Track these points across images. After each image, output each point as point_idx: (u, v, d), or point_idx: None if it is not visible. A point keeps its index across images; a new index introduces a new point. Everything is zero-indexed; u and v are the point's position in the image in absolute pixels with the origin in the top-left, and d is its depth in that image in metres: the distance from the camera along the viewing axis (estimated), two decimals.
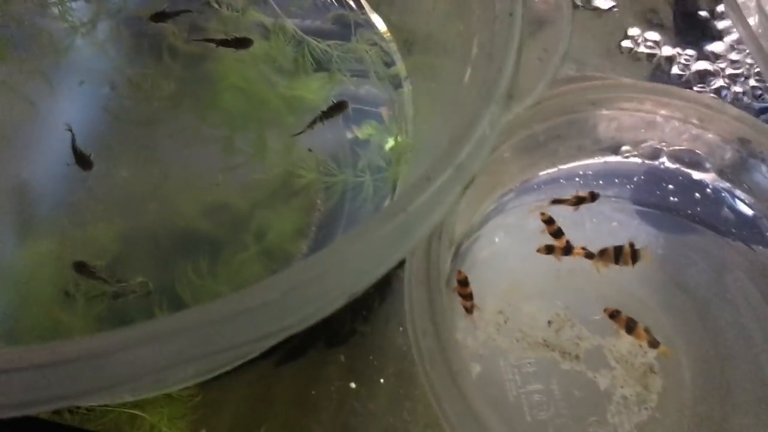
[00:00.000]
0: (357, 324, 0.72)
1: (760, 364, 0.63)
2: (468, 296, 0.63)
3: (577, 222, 0.68)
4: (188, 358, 0.40)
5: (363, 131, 0.76)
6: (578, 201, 0.64)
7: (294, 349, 0.71)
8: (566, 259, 0.68)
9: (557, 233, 0.64)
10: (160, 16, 0.78)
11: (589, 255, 0.64)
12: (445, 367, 0.47)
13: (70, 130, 0.70)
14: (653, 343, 0.63)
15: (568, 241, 0.64)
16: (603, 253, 0.63)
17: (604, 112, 0.61)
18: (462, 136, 0.44)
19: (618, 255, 0.63)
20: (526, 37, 0.50)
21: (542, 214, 0.64)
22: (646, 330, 0.63)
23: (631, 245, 0.63)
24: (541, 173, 0.67)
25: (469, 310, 0.64)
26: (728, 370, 0.65)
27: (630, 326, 0.63)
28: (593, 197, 0.64)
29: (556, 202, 0.65)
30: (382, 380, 0.69)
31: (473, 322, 0.64)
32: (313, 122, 0.74)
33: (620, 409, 0.63)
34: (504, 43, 0.49)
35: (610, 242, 0.64)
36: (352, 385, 0.69)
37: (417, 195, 0.42)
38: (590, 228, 0.69)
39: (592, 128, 0.64)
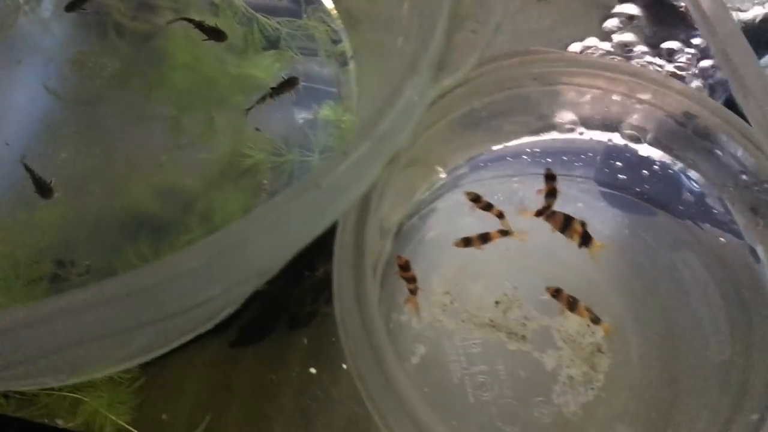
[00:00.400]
0: (320, 305, 0.70)
1: (707, 344, 0.63)
2: (411, 279, 0.62)
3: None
4: (101, 333, 0.39)
5: (321, 111, 0.75)
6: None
7: (254, 330, 0.70)
8: (514, 239, 0.67)
9: (487, 207, 0.63)
10: None
11: (503, 233, 0.63)
12: (369, 349, 0.45)
13: (26, 166, 0.67)
14: (595, 320, 0.62)
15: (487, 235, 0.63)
16: (552, 215, 0.62)
17: (547, 87, 0.60)
18: (382, 109, 0.43)
19: (566, 225, 0.62)
20: (456, 9, 0.48)
21: (468, 193, 0.63)
22: (587, 308, 0.62)
23: (583, 225, 0.62)
24: (487, 151, 0.65)
25: (413, 292, 0.63)
26: (677, 350, 0.64)
27: (571, 304, 0.62)
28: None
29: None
30: (344, 365, 0.67)
31: (416, 305, 0.63)
32: (263, 98, 0.72)
33: (566, 390, 0.63)
34: (432, 15, 0.48)
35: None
36: (313, 370, 0.68)
37: (331, 170, 0.41)
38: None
39: (535, 104, 0.62)
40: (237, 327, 0.70)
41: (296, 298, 0.72)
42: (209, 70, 0.77)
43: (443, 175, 0.64)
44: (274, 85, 0.73)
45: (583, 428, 0.61)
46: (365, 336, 0.45)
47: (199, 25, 0.74)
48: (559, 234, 0.70)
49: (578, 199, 0.69)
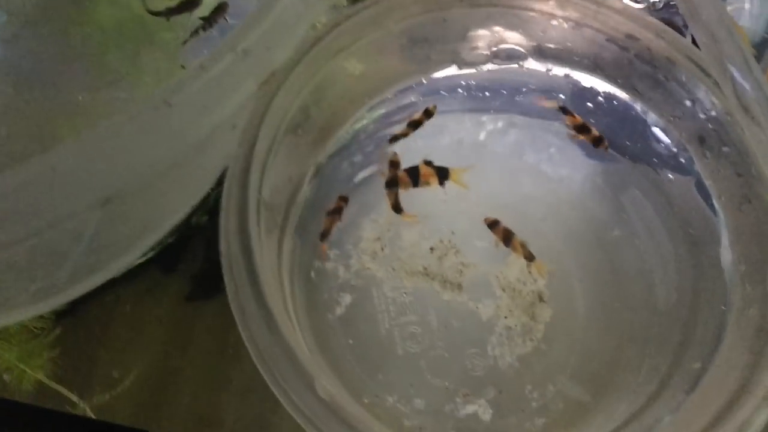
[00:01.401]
0: None
1: (654, 290, 0.58)
2: (325, 234, 0.58)
3: None
4: None
5: None
6: (414, 125, 0.59)
7: (212, 283, 0.66)
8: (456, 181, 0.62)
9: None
10: None
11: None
12: (254, 297, 0.41)
13: None
14: (529, 257, 0.58)
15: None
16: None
17: (476, 9, 0.54)
18: (249, 22, 0.38)
19: (508, 240, 0.58)
20: None
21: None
22: (522, 244, 0.58)
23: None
24: (416, 84, 0.60)
25: (323, 236, 0.58)
26: (623, 298, 0.59)
27: (507, 237, 0.58)
28: (428, 114, 0.58)
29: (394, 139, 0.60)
30: None
31: (323, 252, 0.58)
32: (196, 32, 0.67)
33: (503, 341, 0.58)
34: None
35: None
36: None
37: (185, 85, 0.36)
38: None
39: (463, 29, 0.57)
40: (190, 279, 0.66)
41: None
42: (135, 7, 0.72)
43: (368, 111, 0.59)
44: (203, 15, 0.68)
45: (520, 381, 0.57)
46: (252, 287, 0.41)
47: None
48: (503, 177, 0.65)
49: (522, 133, 0.64)
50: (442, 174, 0.57)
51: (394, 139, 0.60)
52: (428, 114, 0.58)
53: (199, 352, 0.63)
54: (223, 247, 0.43)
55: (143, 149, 0.36)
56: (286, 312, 0.49)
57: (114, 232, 0.48)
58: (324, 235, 0.57)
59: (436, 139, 0.63)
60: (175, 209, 0.56)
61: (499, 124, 0.64)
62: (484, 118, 0.62)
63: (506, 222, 0.59)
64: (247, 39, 0.37)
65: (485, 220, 0.59)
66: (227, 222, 0.43)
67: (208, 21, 0.67)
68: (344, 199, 0.59)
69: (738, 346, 0.46)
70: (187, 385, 0.61)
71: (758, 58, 0.70)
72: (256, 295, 0.41)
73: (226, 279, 0.42)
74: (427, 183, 0.57)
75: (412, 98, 0.60)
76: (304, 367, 0.39)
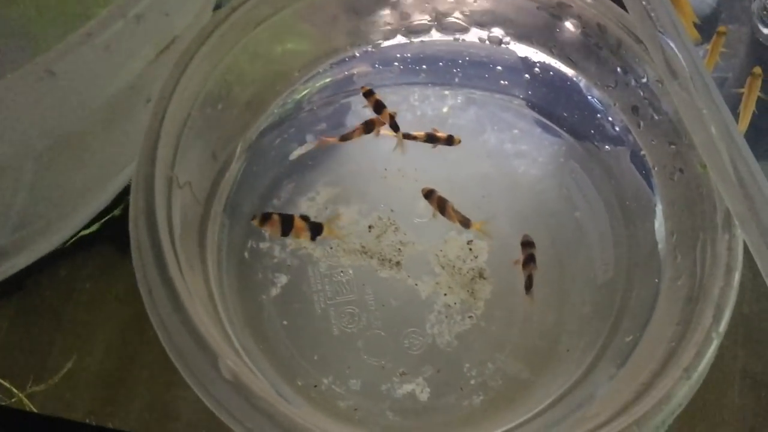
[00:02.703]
0: None
1: (593, 264, 0.57)
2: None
3: None
4: None
5: None
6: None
7: None
8: (395, 157, 0.61)
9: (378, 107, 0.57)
10: None
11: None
12: (160, 278, 0.39)
13: None
14: (465, 222, 0.57)
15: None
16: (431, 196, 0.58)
17: None
18: None
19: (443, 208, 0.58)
20: None
21: (363, 87, 0.57)
22: (456, 210, 0.57)
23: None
24: (347, 56, 0.58)
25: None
26: (563, 272, 0.58)
27: (441, 206, 0.57)
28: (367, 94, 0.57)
29: (408, 136, 0.59)
30: None
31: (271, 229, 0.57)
32: None
33: (441, 319, 0.57)
34: None
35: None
36: None
37: (69, 54, 0.34)
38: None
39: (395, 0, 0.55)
40: None
41: None
42: None
43: (302, 84, 0.57)
44: None
45: (458, 359, 0.56)
46: (157, 267, 0.39)
47: None
48: (444, 153, 0.64)
49: (463, 108, 0.63)
50: (315, 230, 0.56)
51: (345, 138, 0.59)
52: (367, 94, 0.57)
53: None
54: (131, 226, 0.42)
55: (34, 117, 0.34)
56: (207, 293, 0.48)
57: (50, 191, 0.46)
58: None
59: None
60: (109, 176, 0.54)
61: (432, 98, 0.62)
62: (417, 90, 0.61)
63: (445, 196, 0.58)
64: (140, 4, 0.35)
65: (422, 190, 0.58)
66: (136, 200, 0.42)
67: None
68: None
69: (667, 319, 0.46)
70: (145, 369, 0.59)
71: (706, 29, 0.69)
72: (162, 276, 0.39)
73: (134, 259, 0.41)
74: (298, 237, 0.55)
75: (346, 72, 0.59)
76: (209, 345, 0.38)
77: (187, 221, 0.47)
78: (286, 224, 0.54)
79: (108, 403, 0.58)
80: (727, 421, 0.57)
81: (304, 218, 0.55)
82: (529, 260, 0.56)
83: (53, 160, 0.41)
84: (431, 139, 0.59)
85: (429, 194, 0.58)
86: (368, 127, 0.57)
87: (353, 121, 0.60)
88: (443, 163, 0.62)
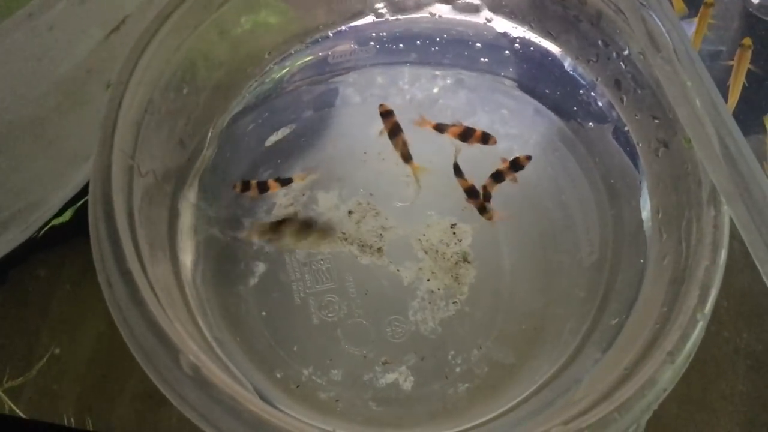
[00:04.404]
0: None
1: (579, 245, 0.55)
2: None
3: None
4: None
5: None
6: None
7: None
8: (375, 140, 0.59)
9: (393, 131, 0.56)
10: None
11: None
12: (119, 271, 0.38)
13: None
14: (405, 157, 0.56)
15: None
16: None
17: None
18: None
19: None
20: None
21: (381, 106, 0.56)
22: (404, 142, 0.56)
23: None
24: (323, 35, 0.56)
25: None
26: (549, 255, 0.56)
27: (393, 132, 0.56)
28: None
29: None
30: None
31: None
32: None
33: (425, 305, 0.55)
34: None
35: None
36: None
37: (8, 35, 0.32)
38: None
39: None
40: None
41: None
42: None
43: (275, 65, 0.55)
44: None
45: (442, 346, 0.54)
46: (115, 261, 0.38)
47: None
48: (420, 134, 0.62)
49: (452, 90, 0.61)
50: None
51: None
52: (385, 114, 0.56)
53: None
54: (90, 218, 0.40)
55: None
56: (177, 284, 0.46)
57: (6, 178, 0.44)
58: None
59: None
60: (77, 164, 0.52)
61: (408, 78, 0.60)
62: (399, 70, 0.59)
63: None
64: None
65: (379, 106, 0.56)
66: (93, 190, 0.40)
67: None
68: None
69: (652, 300, 0.44)
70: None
71: (694, 1, 0.67)
72: (120, 268, 0.38)
73: (93, 251, 0.39)
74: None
75: (321, 52, 0.57)
76: (170, 340, 0.36)
77: (153, 211, 0.45)
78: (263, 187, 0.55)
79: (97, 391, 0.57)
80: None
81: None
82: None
83: (7, 146, 0.39)
84: (465, 135, 0.57)
85: (386, 114, 0.55)
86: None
87: (343, 105, 0.58)
88: (425, 146, 0.60)
